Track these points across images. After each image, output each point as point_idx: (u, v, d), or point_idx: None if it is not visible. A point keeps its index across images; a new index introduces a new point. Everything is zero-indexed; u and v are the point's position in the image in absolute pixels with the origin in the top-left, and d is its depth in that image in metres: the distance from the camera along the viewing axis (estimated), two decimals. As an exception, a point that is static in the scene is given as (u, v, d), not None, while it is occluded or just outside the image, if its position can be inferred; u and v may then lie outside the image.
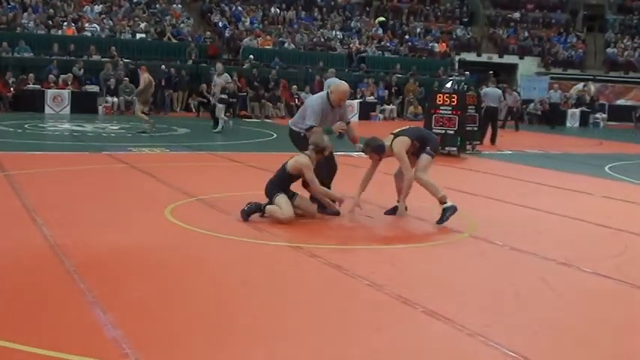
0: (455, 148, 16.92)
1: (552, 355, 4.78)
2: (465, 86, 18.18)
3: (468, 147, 17.69)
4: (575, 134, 28.66)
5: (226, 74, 21.57)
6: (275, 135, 20.10)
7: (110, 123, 21.56)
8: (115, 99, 26.60)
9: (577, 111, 34.42)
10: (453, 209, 8.76)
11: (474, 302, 5.82)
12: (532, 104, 33.81)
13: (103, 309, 5.15)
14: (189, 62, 30.10)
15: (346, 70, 32.01)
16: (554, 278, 6.61)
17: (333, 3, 40.04)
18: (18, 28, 29.23)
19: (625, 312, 5.85)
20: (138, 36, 31.10)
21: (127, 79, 26.83)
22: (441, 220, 8.74)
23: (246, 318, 5.21)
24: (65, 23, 30.13)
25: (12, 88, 25.41)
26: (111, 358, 4.36)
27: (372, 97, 31.31)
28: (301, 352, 4.68)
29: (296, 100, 28.65)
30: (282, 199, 8.46)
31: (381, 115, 30.87)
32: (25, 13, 30.33)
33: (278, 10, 37.40)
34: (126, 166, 12.93)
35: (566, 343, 5.02)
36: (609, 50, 41.99)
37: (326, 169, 9.23)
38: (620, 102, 37.72)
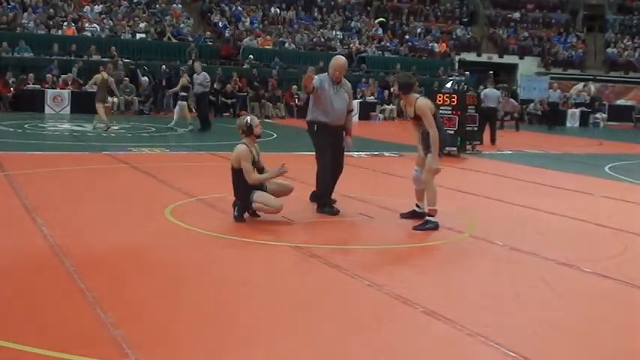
0: (455, 148, 16.91)
1: (552, 355, 4.78)
2: (465, 86, 18.18)
3: (468, 147, 17.70)
4: (575, 134, 28.64)
5: (205, 73, 21.36)
6: (275, 135, 20.10)
7: (110, 123, 21.53)
8: (115, 99, 26.57)
9: (577, 111, 34.41)
10: (435, 225, 8.55)
11: (474, 302, 5.82)
12: (532, 104, 33.82)
13: (103, 309, 5.15)
14: (190, 62, 30.09)
15: (348, 71, 31.99)
16: (554, 278, 6.61)
17: (333, 3, 40.04)
18: (18, 28, 29.22)
19: (625, 312, 5.85)
20: (138, 36, 31.10)
21: (127, 79, 26.83)
22: (420, 227, 8.53)
23: (246, 318, 5.21)
24: (65, 23, 30.11)
25: (12, 88, 25.40)
26: (111, 358, 4.36)
27: (372, 97, 31.32)
28: (301, 351, 4.68)
29: (296, 100, 28.64)
30: (260, 195, 8.42)
31: (381, 115, 30.88)
32: (25, 13, 30.32)
33: (278, 10, 37.40)
34: (126, 166, 12.93)
35: (566, 343, 5.02)
36: (609, 50, 41.99)
37: (331, 169, 9.23)
38: (620, 102, 37.71)
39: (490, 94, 21.06)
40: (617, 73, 40.80)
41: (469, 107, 17.73)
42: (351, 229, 8.77)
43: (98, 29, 30.72)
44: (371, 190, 11.26)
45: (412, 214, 8.98)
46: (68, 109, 25.51)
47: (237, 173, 8.46)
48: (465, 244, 7.95)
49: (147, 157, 14.34)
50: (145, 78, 27.75)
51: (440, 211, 8.92)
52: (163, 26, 32.00)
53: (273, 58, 31.94)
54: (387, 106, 31.24)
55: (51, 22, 30.14)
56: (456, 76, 30.86)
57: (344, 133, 9.44)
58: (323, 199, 9.27)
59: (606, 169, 15.72)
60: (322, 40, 35.34)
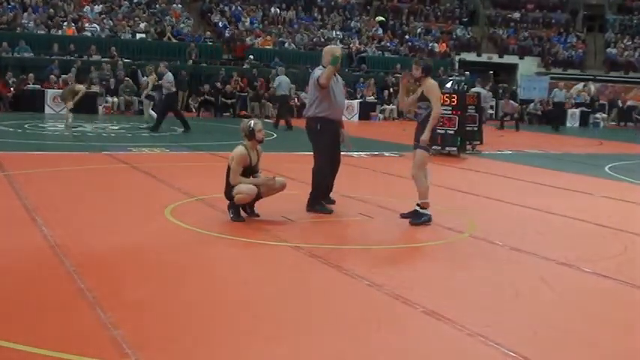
0: (455, 148, 16.93)
1: (552, 355, 4.78)
2: (465, 86, 18.18)
3: (468, 147, 17.70)
4: (575, 134, 28.62)
5: (169, 74, 21.32)
6: (275, 135, 20.11)
7: (110, 123, 21.56)
8: (115, 99, 26.61)
9: (577, 111, 34.39)
10: (429, 218, 8.76)
11: (474, 302, 5.82)
12: (532, 104, 33.81)
13: (103, 309, 5.15)
14: (189, 62, 30.10)
15: (346, 69, 31.99)
16: (554, 278, 6.62)
17: (333, 3, 40.03)
18: (18, 28, 29.23)
19: (625, 312, 5.85)
20: (138, 36, 31.10)
21: (127, 79, 26.84)
22: (416, 221, 8.72)
23: (246, 318, 5.21)
24: (65, 23, 30.12)
25: (12, 88, 25.42)
26: (111, 358, 4.36)
27: (372, 97, 31.31)
28: (301, 351, 4.68)
29: (295, 99, 28.63)
30: (237, 187, 8.39)
31: (380, 115, 30.88)
32: (25, 13, 30.32)
33: (278, 10, 37.40)
34: (126, 166, 12.93)
35: (566, 343, 5.02)
36: (609, 50, 41.98)
37: (330, 169, 9.23)
38: (631, 102, 37.62)
39: (479, 93, 21.01)
40: (617, 73, 40.79)
41: (469, 107, 17.73)
42: (351, 229, 8.77)
43: (98, 29, 30.73)
44: (371, 190, 11.27)
45: (413, 214, 8.98)
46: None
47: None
48: (464, 244, 7.95)
49: (147, 157, 14.34)
50: (145, 78, 27.77)
51: (440, 211, 8.95)
52: (163, 26, 32.00)
53: (273, 58, 31.93)
54: (387, 106, 31.23)
55: (51, 22, 30.15)
56: (456, 76, 30.86)
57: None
58: (315, 198, 9.25)
59: (606, 169, 15.72)
60: (322, 40, 35.30)
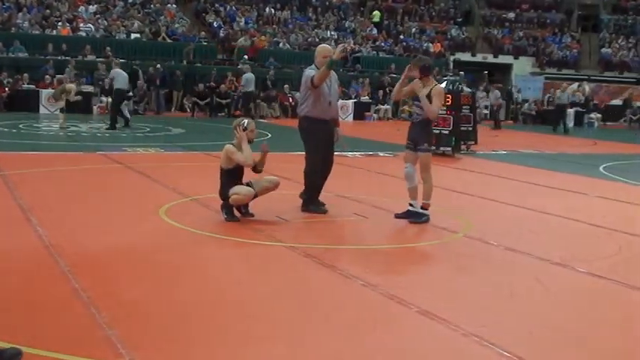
0: (449, 148, 16.93)
1: (547, 355, 4.79)
2: (460, 86, 18.19)
3: (463, 147, 17.71)
4: (569, 134, 28.63)
5: (118, 70, 21.53)
6: (269, 135, 20.08)
7: (105, 123, 21.51)
8: (110, 99, 26.52)
9: (572, 111, 34.41)
10: (428, 219, 8.83)
11: (469, 302, 5.82)
12: (526, 104, 33.84)
13: (98, 309, 5.14)
14: (184, 62, 30.10)
15: (341, 69, 31.99)
16: (548, 278, 6.62)
17: (327, 3, 40.05)
18: (13, 28, 29.19)
19: (619, 312, 5.86)
20: (132, 36, 31.07)
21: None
22: (416, 220, 8.80)
23: (241, 318, 5.21)
24: (60, 23, 30.09)
25: (7, 88, 25.37)
26: (106, 358, 4.35)
27: (366, 97, 31.32)
28: (296, 351, 4.67)
29: (290, 99, 28.63)
30: (234, 188, 8.40)
31: (375, 115, 30.89)
32: (20, 13, 30.26)
33: (272, 10, 37.39)
34: (120, 166, 12.92)
35: (561, 343, 5.02)
36: (604, 50, 42.07)
37: (322, 168, 9.21)
38: (615, 102, 37.75)
39: None
40: (612, 73, 40.87)
41: (464, 107, 17.75)
42: (345, 229, 8.77)
43: (93, 29, 30.68)
44: (365, 190, 11.27)
45: (407, 214, 8.99)
46: (63, 108, 25.46)
47: (224, 174, 8.51)
48: (459, 244, 7.96)
49: (141, 157, 14.33)
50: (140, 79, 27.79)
51: (434, 211, 8.96)
52: (158, 26, 31.98)
53: (267, 58, 31.93)
54: (382, 106, 31.25)
55: (45, 22, 30.10)
56: (451, 76, 30.88)
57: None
58: (310, 198, 9.24)
59: (601, 169, 15.74)
60: (317, 40, 35.28)
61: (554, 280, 6.64)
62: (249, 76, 26.33)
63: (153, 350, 4.56)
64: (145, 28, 31.55)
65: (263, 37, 33.77)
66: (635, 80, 39.80)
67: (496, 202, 10.75)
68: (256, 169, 8.72)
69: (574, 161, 17.45)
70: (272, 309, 5.45)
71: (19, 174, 11.32)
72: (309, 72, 9.13)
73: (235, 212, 8.55)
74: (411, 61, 9.30)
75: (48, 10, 30.97)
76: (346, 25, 38.17)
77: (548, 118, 31.26)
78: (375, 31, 38.20)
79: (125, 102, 21.79)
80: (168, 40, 31.55)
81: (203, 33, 33.71)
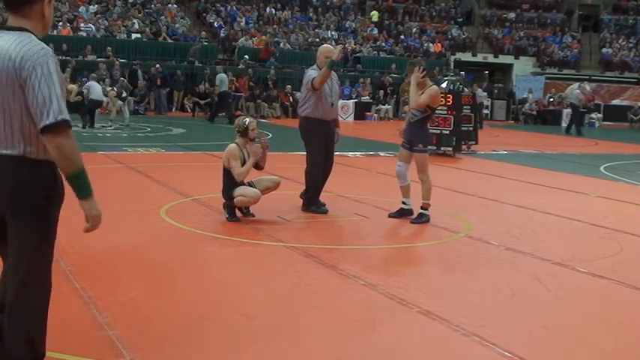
0: (450, 148, 16.94)
1: (547, 355, 4.78)
2: (461, 86, 18.20)
3: (464, 147, 17.71)
4: (570, 134, 28.62)
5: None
6: (270, 135, 20.07)
7: (106, 123, 21.53)
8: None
9: (568, 111, 34.34)
10: (428, 219, 8.85)
11: (470, 302, 5.81)
12: (527, 104, 33.83)
13: (98, 309, 5.14)
14: (185, 62, 30.11)
15: (342, 70, 32.01)
16: (549, 278, 6.62)
17: (328, 3, 40.06)
18: (13, 29, 29.17)
19: (620, 312, 5.85)
20: (133, 36, 31.07)
21: (122, 79, 26.77)
22: (417, 220, 8.84)
23: (242, 318, 5.20)
24: (60, 23, 30.07)
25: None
26: (106, 358, 4.35)
27: (367, 97, 31.33)
28: (297, 351, 4.67)
29: (290, 99, 28.63)
30: (240, 189, 8.42)
31: (376, 115, 30.89)
32: (20, 14, 30.25)
33: (273, 10, 37.40)
34: (121, 166, 12.92)
35: (562, 343, 5.02)
36: (604, 50, 42.07)
37: (323, 169, 9.21)
38: (616, 102, 37.75)
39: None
40: (613, 73, 40.87)
41: (464, 107, 17.75)
42: (346, 229, 8.77)
43: (93, 29, 30.69)
44: (366, 190, 11.27)
45: (401, 213, 9.03)
46: (62, 108, 25.46)
47: (227, 172, 8.49)
48: (460, 244, 7.95)
49: (142, 157, 14.33)
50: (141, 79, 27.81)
51: (435, 211, 8.96)
52: (159, 26, 31.99)
53: (268, 58, 31.93)
54: (382, 106, 31.25)
55: (46, 22, 30.09)
56: (451, 76, 30.90)
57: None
58: (311, 198, 9.24)
59: (601, 169, 15.74)
60: (317, 40, 35.33)
61: (555, 280, 6.63)
62: (221, 76, 26.24)
63: (153, 350, 4.55)
64: (145, 28, 31.56)
65: (264, 37, 33.76)
66: (635, 80, 39.81)
67: (497, 202, 10.74)
68: (258, 166, 8.72)
69: (575, 161, 17.44)
70: (272, 309, 5.45)
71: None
72: (311, 72, 9.13)
73: (237, 212, 8.55)
74: (408, 67, 9.34)
75: (48, 10, 30.98)
76: (347, 25, 38.17)
77: (548, 118, 31.28)
78: (375, 31, 38.21)
79: (123, 102, 21.82)
80: (169, 40, 31.55)
81: (204, 33, 33.73)
